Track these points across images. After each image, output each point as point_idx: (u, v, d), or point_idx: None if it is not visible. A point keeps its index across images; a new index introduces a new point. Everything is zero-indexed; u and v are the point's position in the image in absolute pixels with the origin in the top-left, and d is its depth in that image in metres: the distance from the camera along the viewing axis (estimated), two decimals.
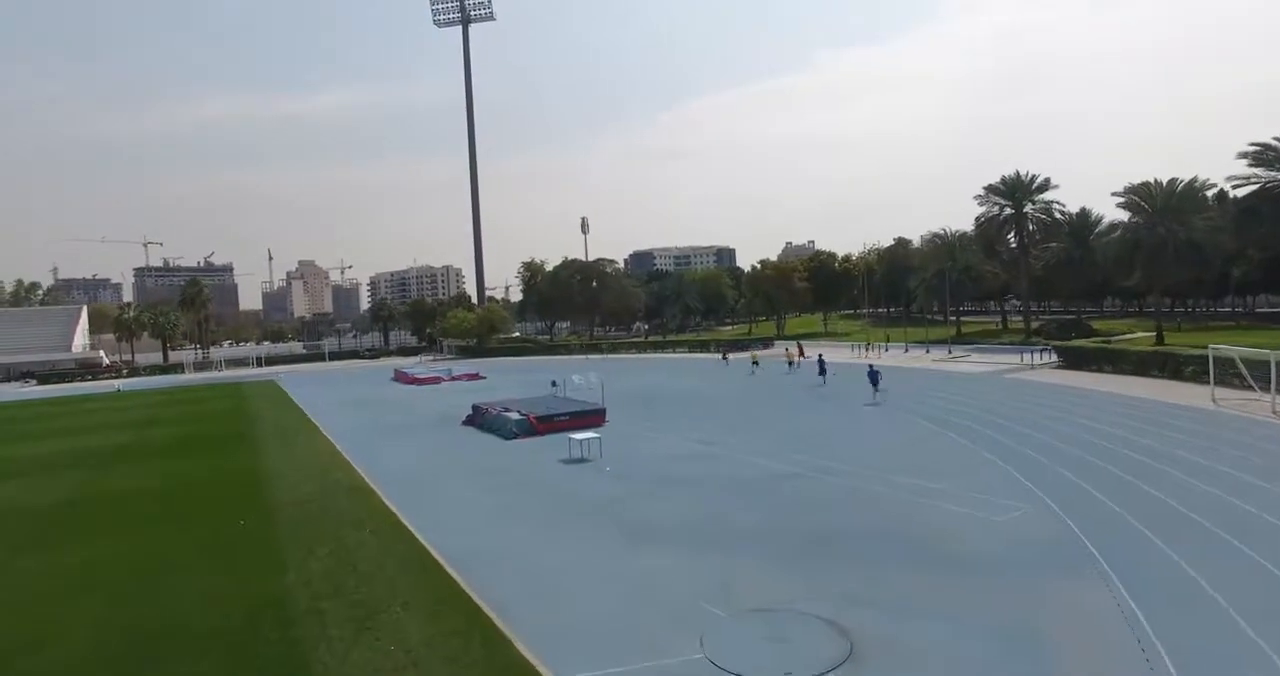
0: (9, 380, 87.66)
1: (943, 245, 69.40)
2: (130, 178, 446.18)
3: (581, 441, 23.22)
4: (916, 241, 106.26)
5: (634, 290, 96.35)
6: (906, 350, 58.86)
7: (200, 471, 24.40)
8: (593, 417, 29.10)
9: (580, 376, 43.76)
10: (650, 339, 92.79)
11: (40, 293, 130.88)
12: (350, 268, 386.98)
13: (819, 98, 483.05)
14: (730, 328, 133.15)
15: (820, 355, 45.40)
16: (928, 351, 56.80)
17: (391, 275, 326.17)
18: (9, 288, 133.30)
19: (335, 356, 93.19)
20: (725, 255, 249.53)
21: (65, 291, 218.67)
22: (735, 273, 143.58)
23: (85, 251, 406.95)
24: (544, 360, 72.30)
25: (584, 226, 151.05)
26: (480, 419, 30.50)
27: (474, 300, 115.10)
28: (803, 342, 59.43)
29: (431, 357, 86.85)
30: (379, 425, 32.62)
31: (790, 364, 49.10)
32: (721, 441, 24.72)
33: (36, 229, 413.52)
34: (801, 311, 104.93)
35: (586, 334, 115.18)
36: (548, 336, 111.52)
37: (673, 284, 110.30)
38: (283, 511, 18.43)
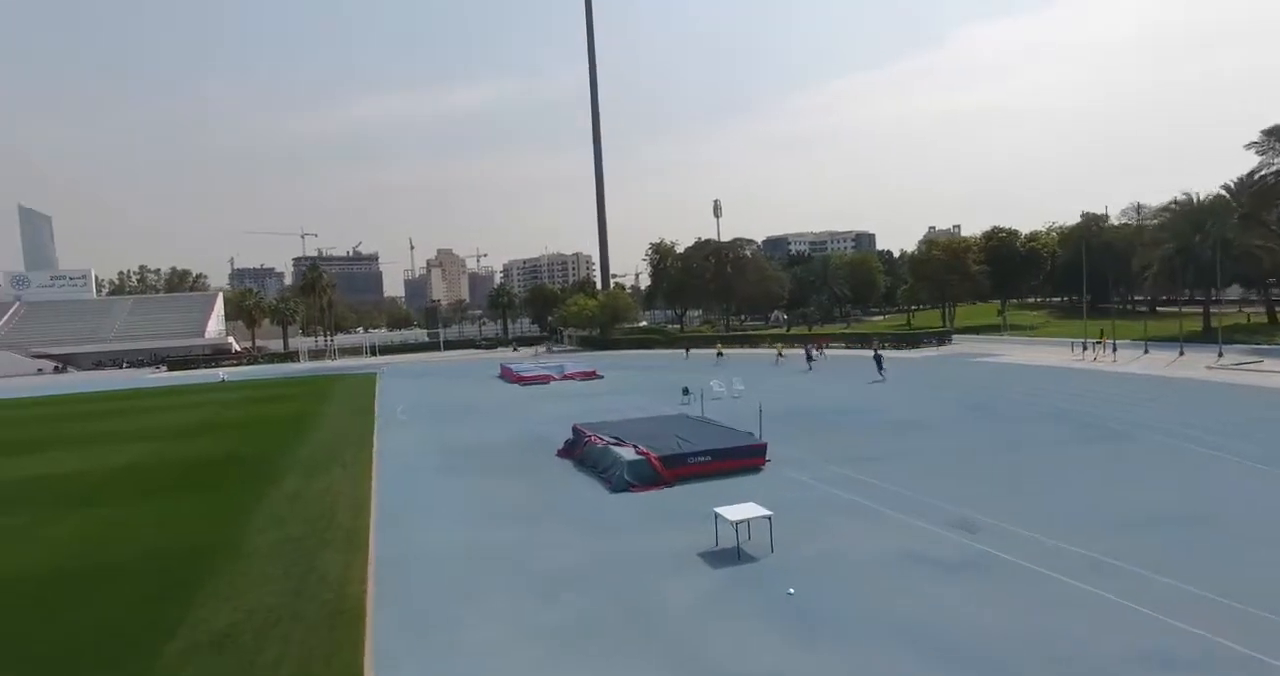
0: (144, 365, 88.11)
1: (1187, 214, 53.35)
2: (292, 175, 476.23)
3: (738, 522, 13.13)
4: (1114, 218, 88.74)
5: (775, 275, 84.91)
6: (1146, 351, 44.73)
7: (147, 524, 16.39)
8: (746, 457, 19.05)
9: (720, 383, 33.61)
10: (792, 331, 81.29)
11: (191, 279, 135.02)
12: (485, 255, 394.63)
13: (956, 75, 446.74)
14: (880, 318, 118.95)
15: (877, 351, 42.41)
16: (1181, 353, 42.56)
17: (524, 262, 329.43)
18: (164, 275, 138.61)
19: (450, 345, 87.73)
20: (865, 240, 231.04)
21: (239, 280, 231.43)
22: (885, 256, 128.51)
23: (257, 243, 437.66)
24: (671, 355, 62.73)
25: (716, 209, 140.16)
26: (580, 450, 21.11)
27: (597, 286, 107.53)
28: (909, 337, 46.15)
29: (547, 349, 79.41)
30: (449, 449, 23.92)
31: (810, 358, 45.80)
32: (999, 525, 14.01)
33: (218, 223, 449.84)
34: (975, 299, 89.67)
35: (719, 323, 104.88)
36: (677, 325, 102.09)
37: (817, 268, 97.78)
38: (191, 656, 9.59)
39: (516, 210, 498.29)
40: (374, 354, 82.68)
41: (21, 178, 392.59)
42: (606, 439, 20.15)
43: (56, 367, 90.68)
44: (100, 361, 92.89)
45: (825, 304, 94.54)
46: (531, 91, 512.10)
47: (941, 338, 59.41)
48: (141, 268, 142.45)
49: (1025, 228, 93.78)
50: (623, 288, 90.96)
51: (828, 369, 44.19)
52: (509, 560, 13.41)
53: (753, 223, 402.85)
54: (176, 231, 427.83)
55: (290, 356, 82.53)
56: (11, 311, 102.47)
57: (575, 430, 22.48)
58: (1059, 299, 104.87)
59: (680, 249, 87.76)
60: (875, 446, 21.39)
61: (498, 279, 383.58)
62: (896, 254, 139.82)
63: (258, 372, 67.48)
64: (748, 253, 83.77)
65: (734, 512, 13.24)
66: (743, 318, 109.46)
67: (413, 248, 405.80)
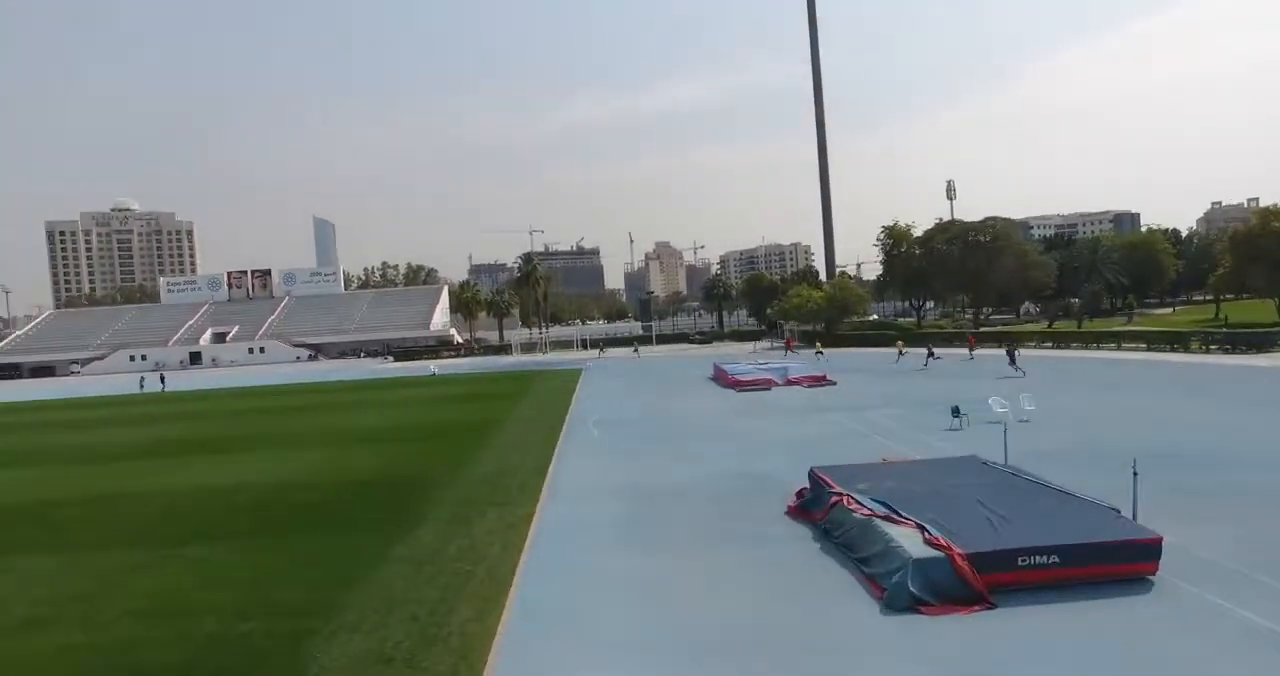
0: (376, 355, 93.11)
1: None
2: (520, 175, 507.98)
3: None
4: None
5: (1039, 260, 70.90)
6: None
7: (234, 578, 11.65)
8: (1122, 560, 10.87)
9: (1002, 403, 24.64)
10: (1056, 326, 67.35)
11: (424, 274, 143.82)
12: (703, 247, 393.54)
13: (1209, 30, 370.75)
14: (1169, 310, 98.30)
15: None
16: None
17: (741, 253, 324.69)
18: (402, 270, 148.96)
19: (663, 339, 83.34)
20: (1125, 220, 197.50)
21: (475, 276, 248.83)
22: (1172, 236, 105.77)
23: (494, 241, 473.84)
24: (906, 355, 52.89)
25: (949, 191, 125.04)
26: (825, 513, 13.94)
27: (820, 276, 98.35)
28: None
29: (768, 345, 72.12)
30: (639, 492, 17.77)
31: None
32: None
33: (458, 223, 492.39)
34: None
35: (959, 315, 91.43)
36: (913, 318, 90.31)
37: (1083, 252, 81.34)
38: None
39: (734, 201, 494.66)
40: (584, 347, 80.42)
41: (315, 192, 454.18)
42: (868, 506, 12.84)
43: (310, 356, 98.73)
44: (344, 351, 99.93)
45: (1097, 293, 78.28)
46: (747, 82, 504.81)
47: None
48: (384, 263, 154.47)
49: None
50: (847, 276, 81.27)
51: (1152, 378, 32.92)
52: None
53: (985, 206, 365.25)
54: (427, 232, 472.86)
55: (504, 349, 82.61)
56: (282, 305, 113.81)
57: (815, 479, 15.38)
58: None
59: (918, 232, 76.29)
60: None
61: (714, 270, 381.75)
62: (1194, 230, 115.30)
63: (467, 366, 67.11)
64: (1006, 235, 70.40)
65: None
66: (986, 311, 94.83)
67: (632, 241, 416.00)
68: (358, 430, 29.99)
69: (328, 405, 40.23)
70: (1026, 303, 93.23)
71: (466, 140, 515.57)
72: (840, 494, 13.75)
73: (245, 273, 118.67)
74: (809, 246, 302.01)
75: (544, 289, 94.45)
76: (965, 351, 47.94)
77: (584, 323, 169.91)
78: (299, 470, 22.36)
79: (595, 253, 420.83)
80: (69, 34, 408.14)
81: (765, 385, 37.26)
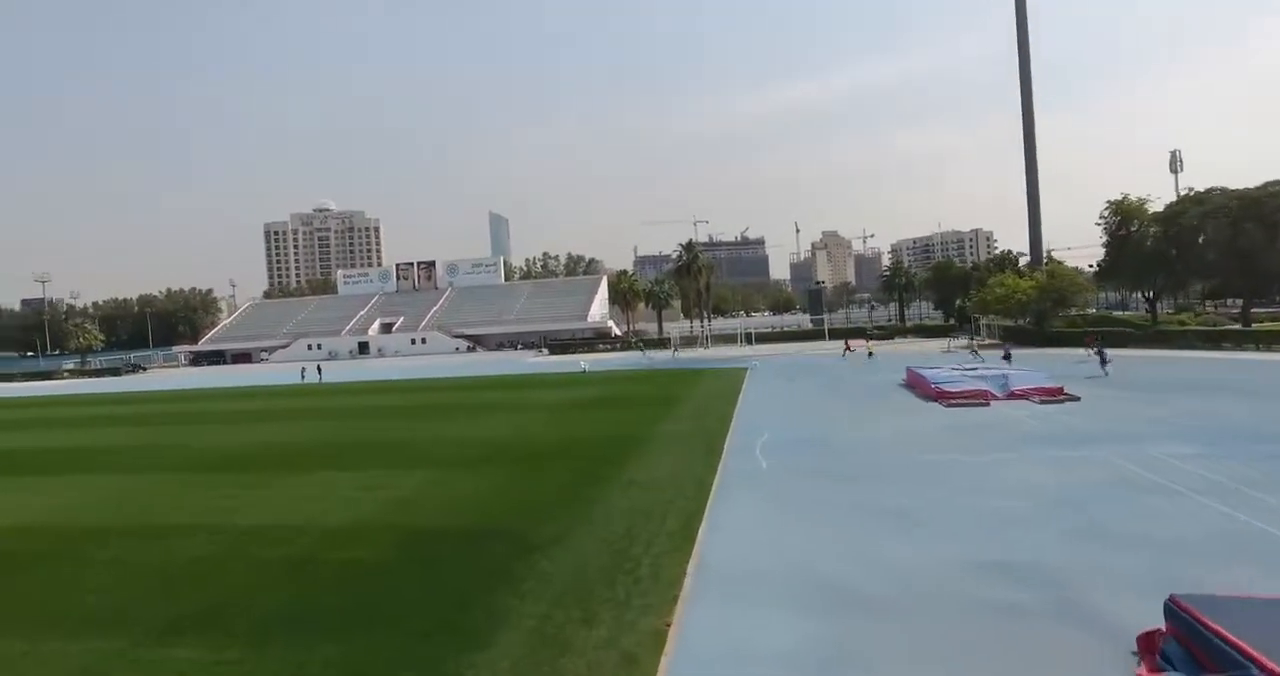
0: (532, 347, 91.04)
1: None
2: (685, 167, 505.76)
3: None
4: None
5: None
6: None
7: None
8: None
9: None
10: None
11: (584, 264, 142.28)
12: (872, 236, 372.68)
13: None
14: None
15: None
16: None
17: (914, 242, 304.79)
18: (563, 261, 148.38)
19: (836, 333, 74.70)
20: None
21: (640, 267, 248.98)
22: None
23: (658, 232, 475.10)
24: (1163, 357, 41.58)
25: (1174, 163, 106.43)
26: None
27: (1019, 264, 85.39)
28: None
29: (965, 344, 61.80)
30: (834, 596, 10.94)
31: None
32: None
33: (624, 216, 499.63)
34: None
35: (1203, 309, 75.45)
36: (1135, 311, 75.65)
37: None
38: None
39: (906, 188, 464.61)
40: (750, 342, 73.48)
41: (491, 191, 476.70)
42: None
43: (469, 347, 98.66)
44: (501, 343, 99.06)
45: None
46: (924, 64, 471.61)
47: None
48: (544, 254, 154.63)
49: None
50: (1058, 263, 68.50)
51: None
52: None
53: (1212, 177, 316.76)
54: (595, 226, 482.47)
55: (662, 343, 77.38)
56: (445, 296, 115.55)
57: (1187, 621, 8.00)
58: None
59: (1155, 207, 62.44)
60: None
61: (884, 260, 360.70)
62: None
63: (621, 361, 62.31)
64: None
65: None
66: (1218, 302, 77.87)
67: (798, 230, 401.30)
68: (474, 443, 25.22)
69: (459, 407, 36.35)
70: None
71: (640, 132, 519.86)
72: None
73: (412, 264, 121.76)
74: (991, 232, 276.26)
75: (706, 278, 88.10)
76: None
77: (748, 314, 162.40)
78: (368, 509, 17.51)
79: (760, 243, 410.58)
80: (290, 60, 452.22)
81: (980, 399, 28.90)
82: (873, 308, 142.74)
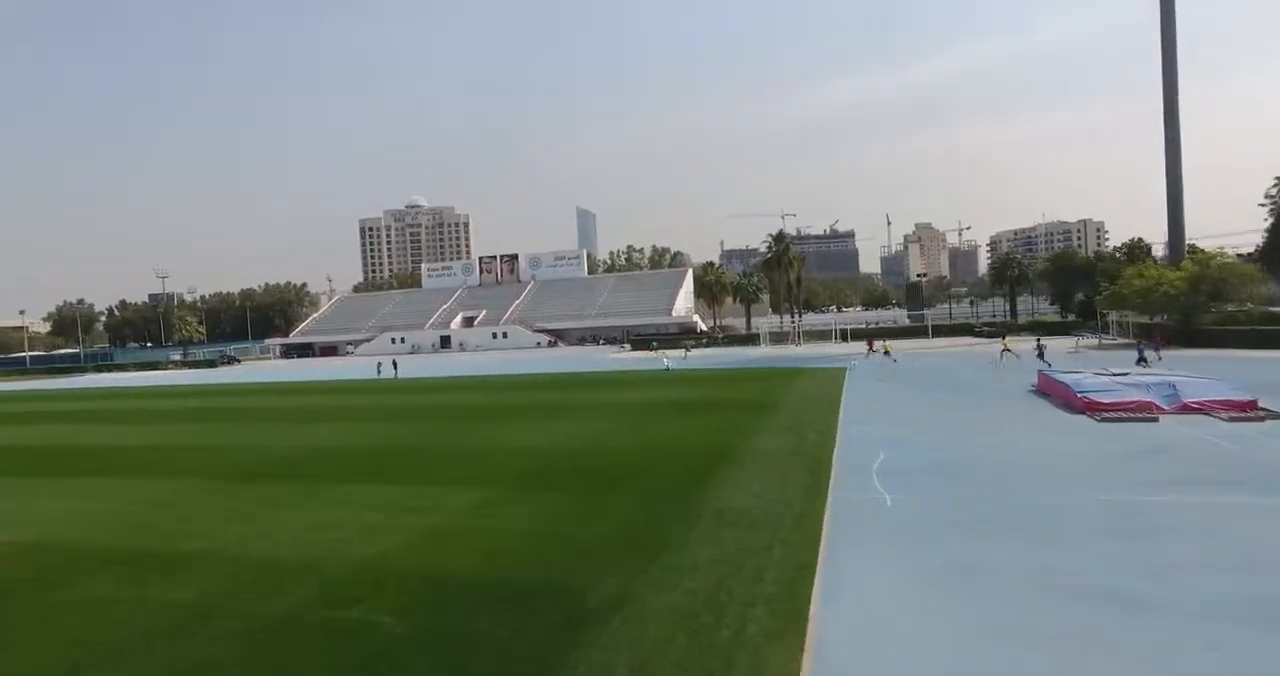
0: (614, 342, 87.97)
1: None
2: (771, 161, 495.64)
3: None
4: None
5: None
6: None
7: None
8: None
9: None
10: None
11: (669, 257, 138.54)
12: (968, 228, 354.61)
13: None
14: None
15: None
16: None
17: (1015, 233, 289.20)
18: (647, 253, 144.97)
19: (940, 330, 68.58)
20: None
21: (726, 261, 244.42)
22: None
23: (745, 226, 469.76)
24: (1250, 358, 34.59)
25: None
26: None
27: (1149, 253, 76.90)
28: None
29: (1097, 341, 55.05)
30: None
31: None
32: None
33: (710, 211, 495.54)
34: None
35: None
36: None
37: None
38: None
39: (1005, 178, 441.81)
40: (845, 339, 68.25)
41: (578, 187, 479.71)
42: None
43: (550, 342, 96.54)
44: (583, 337, 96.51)
45: None
46: (1020, 49, 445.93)
47: None
48: (628, 247, 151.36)
49: None
50: (1206, 252, 60.15)
51: None
52: None
53: None
54: (681, 220, 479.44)
55: (750, 339, 72.98)
56: (527, 289, 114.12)
57: None
58: None
59: None
60: None
61: (982, 254, 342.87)
62: None
63: (708, 359, 58.38)
64: None
65: None
66: None
67: (889, 223, 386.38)
68: (536, 453, 21.91)
69: (528, 409, 33.33)
70: None
71: (731, 120, 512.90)
72: None
73: (495, 258, 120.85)
74: (1101, 222, 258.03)
75: (797, 271, 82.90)
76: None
77: (839, 309, 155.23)
78: (392, 542, 14.24)
79: (850, 236, 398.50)
80: (394, 69, 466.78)
81: (1144, 412, 23.62)
82: (972, 302, 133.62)
